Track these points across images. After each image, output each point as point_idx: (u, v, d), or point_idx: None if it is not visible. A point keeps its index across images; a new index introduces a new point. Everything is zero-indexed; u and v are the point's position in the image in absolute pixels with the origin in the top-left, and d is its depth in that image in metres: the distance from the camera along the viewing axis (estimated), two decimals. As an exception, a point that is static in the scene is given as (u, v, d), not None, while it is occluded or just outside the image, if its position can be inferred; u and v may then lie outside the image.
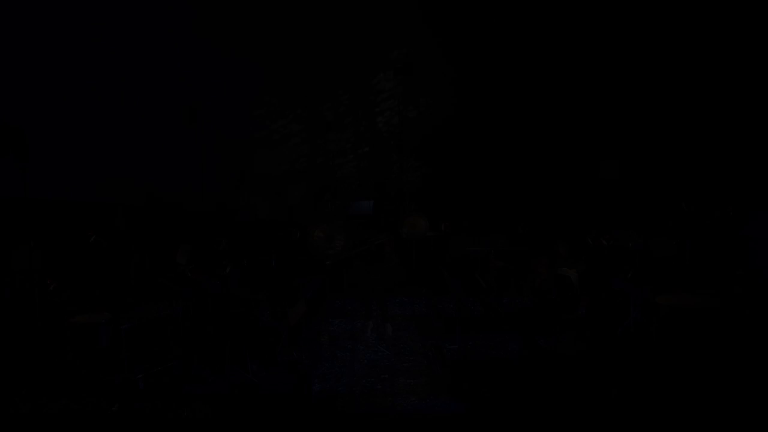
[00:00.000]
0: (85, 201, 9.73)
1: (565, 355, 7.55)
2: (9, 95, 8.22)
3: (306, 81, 11.48)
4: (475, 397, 6.32)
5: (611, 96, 11.31)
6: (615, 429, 6.01)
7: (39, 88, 8.45)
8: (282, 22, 10.76)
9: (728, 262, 8.73)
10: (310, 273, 10.24)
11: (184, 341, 7.85)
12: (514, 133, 13.03)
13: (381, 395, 6.60)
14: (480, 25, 11.59)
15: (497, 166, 13.09)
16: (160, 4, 9.41)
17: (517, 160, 13.15)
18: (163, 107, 10.20)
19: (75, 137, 9.11)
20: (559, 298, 7.98)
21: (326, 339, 8.59)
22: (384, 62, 11.85)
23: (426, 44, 11.77)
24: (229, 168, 11.38)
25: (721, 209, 9.00)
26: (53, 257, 9.51)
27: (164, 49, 9.70)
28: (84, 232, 8.40)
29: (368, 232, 11.61)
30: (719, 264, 8.45)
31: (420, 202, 11.15)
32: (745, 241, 9.55)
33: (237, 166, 11.51)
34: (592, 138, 11.17)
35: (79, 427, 6.18)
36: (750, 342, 7.60)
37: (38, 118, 8.44)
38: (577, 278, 8.25)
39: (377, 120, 12.45)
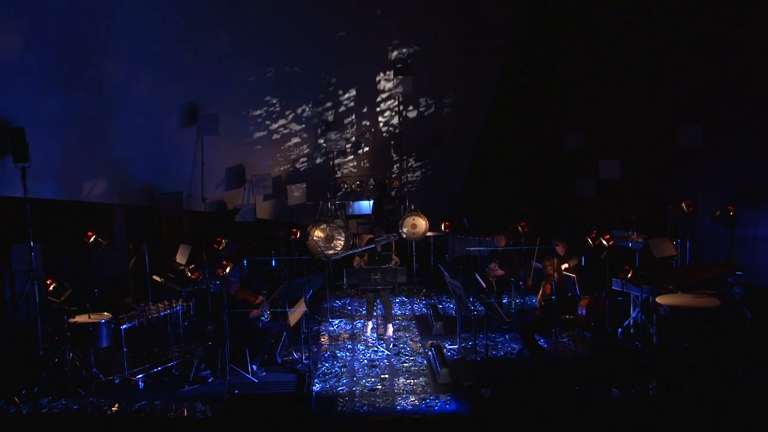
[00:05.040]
0: (85, 201, 9.72)
1: (566, 355, 7.55)
2: (9, 94, 8.22)
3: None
4: (475, 397, 6.31)
5: (609, 96, 11.34)
6: (615, 429, 6.01)
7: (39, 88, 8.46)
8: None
9: (728, 262, 8.73)
10: (310, 273, 10.24)
11: (184, 341, 7.86)
12: (515, 134, 13.05)
13: (381, 395, 6.60)
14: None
15: (497, 168, 13.12)
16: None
17: (517, 162, 13.17)
18: (164, 107, 10.20)
19: (75, 137, 9.11)
20: (560, 298, 7.97)
21: (326, 339, 8.60)
22: (385, 62, 11.85)
23: (430, 47, 11.77)
24: (229, 168, 11.39)
25: (721, 209, 8.99)
26: (53, 257, 9.51)
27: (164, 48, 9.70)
28: (84, 232, 8.39)
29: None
30: (719, 264, 8.44)
31: (420, 202, 11.16)
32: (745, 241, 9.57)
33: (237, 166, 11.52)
34: (593, 139, 11.18)
35: (79, 427, 6.18)
36: (749, 340, 7.61)
37: (38, 118, 8.44)
38: (578, 279, 8.24)
39: (377, 120, 12.46)
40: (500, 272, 9.24)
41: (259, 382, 6.99)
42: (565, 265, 8.45)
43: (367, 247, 8.85)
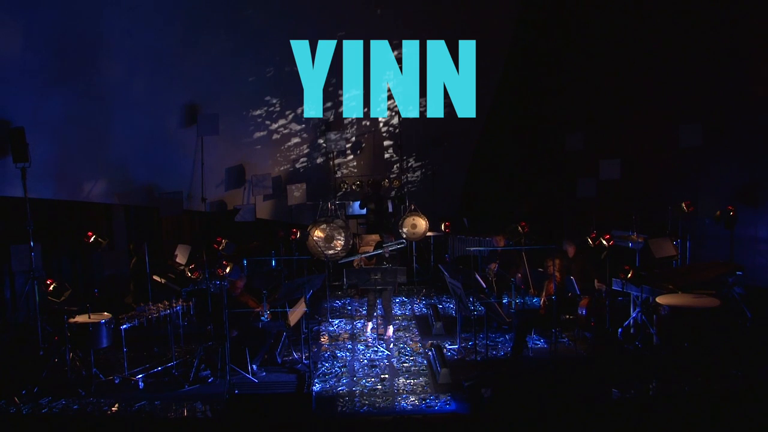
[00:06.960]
0: (85, 201, 9.71)
1: (566, 355, 7.55)
2: (9, 94, 8.22)
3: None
4: (475, 397, 6.31)
5: (608, 95, 11.34)
6: (615, 429, 6.02)
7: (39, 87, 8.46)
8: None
9: (728, 262, 8.73)
10: (310, 273, 10.23)
11: (184, 341, 7.85)
12: (515, 134, 13.04)
13: (381, 395, 6.60)
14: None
15: (497, 168, 13.11)
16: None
17: (517, 162, 13.17)
18: (164, 107, 10.19)
19: (75, 136, 9.11)
20: (560, 298, 7.96)
21: (326, 339, 8.60)
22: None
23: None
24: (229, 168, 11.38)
25: (721, 209, 8.99)
26: (53, 257, 9.51)
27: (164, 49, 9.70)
28: (84, 232, 8.38)
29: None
30: (719, 264, 8.44)
31: (420, 202, 11.14)
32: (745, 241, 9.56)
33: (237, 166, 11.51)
34: (593, 139, 11.17)
35: (79, 427, 6.18)
36: (749, 340, 7.61)
37: (38, 118, 8.44)
38: (578, 279, 8.23)
39: (377, 120, 12.44)
40: (493, 266, 9.15)
41: (259, 382, 6.99)
42: (599, 285, 8.05)
43: (375, 252, 8.83)
